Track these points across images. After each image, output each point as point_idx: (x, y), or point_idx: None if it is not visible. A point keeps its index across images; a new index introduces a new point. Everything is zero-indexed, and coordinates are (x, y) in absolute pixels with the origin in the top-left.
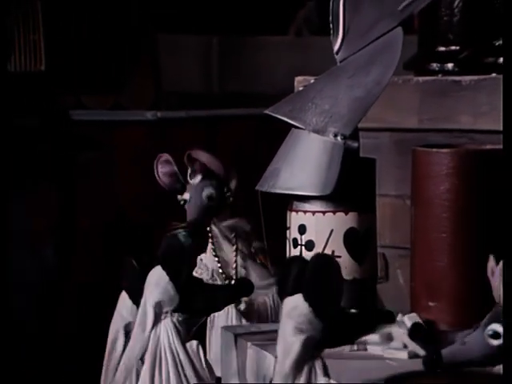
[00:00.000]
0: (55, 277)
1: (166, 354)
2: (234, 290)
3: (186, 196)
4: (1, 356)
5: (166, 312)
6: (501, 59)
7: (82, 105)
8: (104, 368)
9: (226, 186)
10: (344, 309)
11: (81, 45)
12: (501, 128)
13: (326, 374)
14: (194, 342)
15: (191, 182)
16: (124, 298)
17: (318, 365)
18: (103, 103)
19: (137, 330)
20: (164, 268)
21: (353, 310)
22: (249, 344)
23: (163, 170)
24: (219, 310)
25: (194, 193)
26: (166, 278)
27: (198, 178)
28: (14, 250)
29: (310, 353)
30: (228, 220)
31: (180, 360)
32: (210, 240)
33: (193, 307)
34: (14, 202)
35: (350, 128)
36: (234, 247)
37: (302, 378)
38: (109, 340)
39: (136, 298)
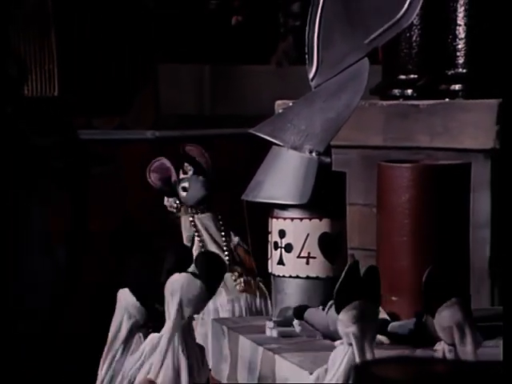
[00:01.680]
0: (66, 276)
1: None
2: None
3: (186, 184)
4: (13, 352)
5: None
6: (452, 86)
7: (91, 125)
8: (103, 357)
9: (212, 180)
10: None
11: (90, 73)
12: (453, 146)
13: None
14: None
15: (184, 177)
16: (126, 295)
17: None
18: (110, 124)
19: (171, 331)
20: (205, 283)
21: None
22: (241, 336)
23: (156, 175)
24: None
25: (194, 184)
26: (206, 291)
27: (190, 172)
28: (31, 251)
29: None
30: (206, 214)
31: (191, 361)
32: (196, 233)
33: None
34: (33, 210)
35: (323, 145)
36: (223, 239)
37: None
38: (111, 330)
39: (140, 296)
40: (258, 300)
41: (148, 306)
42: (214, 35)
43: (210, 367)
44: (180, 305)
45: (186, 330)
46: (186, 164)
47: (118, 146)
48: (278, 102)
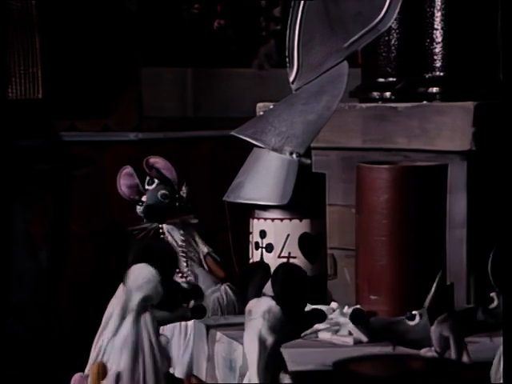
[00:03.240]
0: (48, 277)
1: (144, 345)
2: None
3: (144, 198)
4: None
5: (147, 306)
6: (430, 89)
7: (75, 128)
8: (94, 342)
9: (178, 191)
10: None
11: (74, 76)
12: (430, 148)
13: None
14: (164, 337)
15: (149, 187)
16: (143, 269)
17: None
18: (93, 126)
19: (119, 313)
20: (157, 268)
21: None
22: (219, 334)
23: (125, 181)
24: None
25: (151, 194)
26: (158, 277)
27: (155, 183)
28: (14, 252)
29: (278, 350)
30: (177, 222)
31: (154, 352)
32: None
33: (168, 305)
34: (16, 211)
35: (303, 147)
36: (181, 249)
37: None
38: (104, 318)
39: (163, 273)
40: (225, 308)
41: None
42: (197, 38)
43: (192, 366)
44: (129, 291)
45: (140, 317)
46: (149, 178)
47: (102, 148)
48: (260, 105)
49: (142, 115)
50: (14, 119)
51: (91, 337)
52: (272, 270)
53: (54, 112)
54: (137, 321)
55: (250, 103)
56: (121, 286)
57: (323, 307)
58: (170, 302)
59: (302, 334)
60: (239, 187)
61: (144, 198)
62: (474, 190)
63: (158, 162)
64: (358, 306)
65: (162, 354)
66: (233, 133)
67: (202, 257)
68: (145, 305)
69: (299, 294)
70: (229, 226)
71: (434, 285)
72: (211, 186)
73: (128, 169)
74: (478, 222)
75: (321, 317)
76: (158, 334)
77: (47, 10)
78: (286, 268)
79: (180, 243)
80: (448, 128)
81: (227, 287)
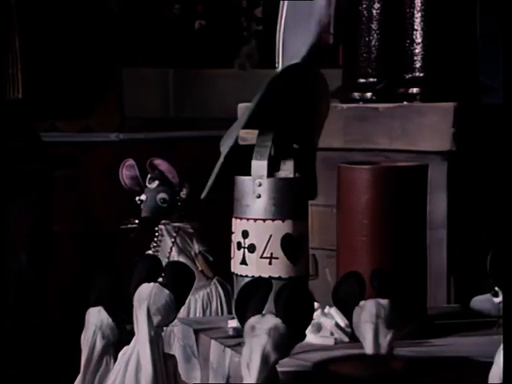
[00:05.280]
0: (31, 278)
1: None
2: None
3: (143, 197)
4: None
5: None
6: (410, 90)
7: (56, 128)
8: (82, 373)
9: (178, 193)
10: None
11: (55, 77)
12: (410, 148)
13: None
14: (172, 360)
15: (149, 186)
16: (102, 315)
17: None
18: (74, 127)
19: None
20: (173, 292)
21: None
22: (212, 340)
23: (127, 172)
24: None
25: (150, 195)
26: (175, 303)
27: (156, 183)
28: None
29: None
30: (175, 222)
31: (163, 375)
32: (155, 238)
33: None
34: None
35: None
36: (171, 246)
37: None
38: (84, 350)
39: (114, 315)
40: (214, 303)
41: (120, 324)
42: (178, 39)
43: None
44: (148, 314)
45: (154, 341)
46: (150, 176)
47: (83, 149)
48: (241, 105)
49: (123, 116)
50: None
51: (76, 337)
52: (255, 269)
53: (35, 112)
54: (152, 344)
55: (231, 103)
56: (91, 312)
57: None
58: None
59: None
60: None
61: (143, 197)
62: (454, 191)
63: (161, 164)
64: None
65: (169, 380)
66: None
67: (193, 255)
68: (159, 328)
69: (305, 314)
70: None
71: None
72: (193, 187)
73: (130, 161)
74: (459, 222)
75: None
76: (166, 358)
77: (27, 8)
78: (292, 288)
79: (173, 240)
80: (428, 128)
81: (217, 282)
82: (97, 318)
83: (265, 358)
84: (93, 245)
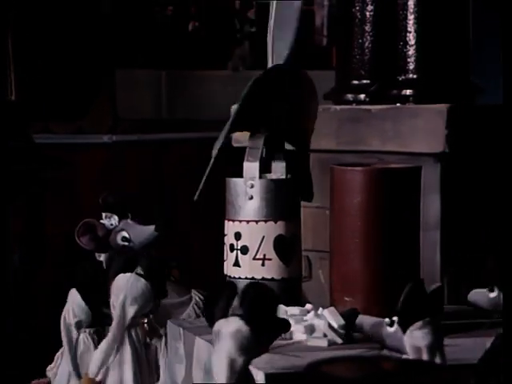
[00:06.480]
0: (23, 279)
1: (128, 359)
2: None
3: (125, 234)
4: None
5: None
6: (403, 91)
7: (48, 130)
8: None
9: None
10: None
11: (48, 78)
12: (403, 150)
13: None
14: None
15: (111, 227)
16: (75, 296)
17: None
18: (67, 128)
19: (116, 329)
20: (151, 281)
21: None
22: (196, 337)
23: (84, 239)
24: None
25: (114, 240)
26: (152, 291)
27: (115, 219)
28: None
29: (247, 370)
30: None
31: (141, 365)
32: None
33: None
34: None
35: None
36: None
37: None
38: (62, 331)
39: (87, 299)
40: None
41: (94, 308)
42: (171, 41)
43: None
44: (124, 303)
45: (131, 329)
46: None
47: (76, 151)
48: (234, 107)
49: (116, 117)
50: None
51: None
52: (248, 271)
53: (27, 114)
54: (129, 335)
55: (224, 105)
56: (71, 294)
57: (298, 309)
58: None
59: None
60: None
61: (121, 242)
62: (447, 192)
63: (113, 197)
64: (334, 309)
65: (151, 368)
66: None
67: (166, 270)
68: (138, 316)
69: (269, 314)
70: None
71: (404, 292)
72: (186, 188)
73: (84, 225)
74: (452, 224)
75: (286, 327)
76: (146, 348)
77: (20, 9)
78: (255, 289)
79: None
80: (421, 130)
81: (197, 299)
82: (71, 297)
83: (231, 364)
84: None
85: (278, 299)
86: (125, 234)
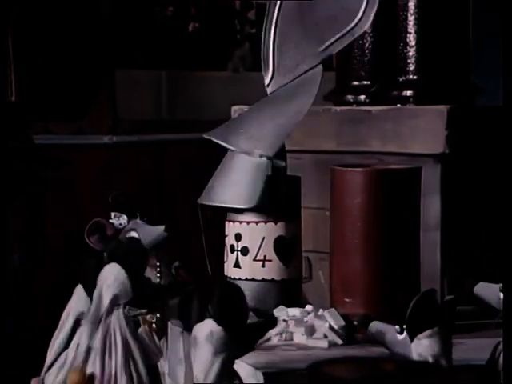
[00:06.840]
0: (23, 279)
1: (116, 340)
2: (177, 290)
3: (134, 234)
4: None
5: (119, 304)
6: (403, 92)
7: (49, 130)
8: (51, 343)
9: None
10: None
11: (48, 79)
12: (404, 151)
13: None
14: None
15: (121, 227)
16: (79, 291)
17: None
18: (67, 129)
19: (90, 318)
20: (124, 266)
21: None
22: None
23: (94, 238)
24: (163, 306)
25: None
26: (125, 275)
27: (124, 218)
28: None
29: (228, 368)
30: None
31: (129, 345)
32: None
33: (142, 302)
34: None
35: (272, 150)
36: (155, 266)
37: None
38: (60, 321)
39: (90, 293)
40: None
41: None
42: (171, 41)
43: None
44: (101, 290)
45: (111, 317)
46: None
47: (76, 151)
48: (235, 108)
49: (116, 118)
50: None
51: None
52: (248, 272)
53: (27, 114)
54: (105, 322)
55: (224, 106)
56: (76, 289)
57: (298, 310)
58: (143, 298)
59: (278, 338)
60: (211, 190)
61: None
62: (447, 193)
63: (123, 196)
64: (334, 310)
65: (147, 349)
66: (205, 135)
67: (172, 271)
68: (115, 304)
69: (239, 312)
70: (203, 229)
71: (414, 300)
72: (186, 189)
73: (93, 224)
74: (452, 224)
75: (272, 323)
76: (135, 332)
77: (20, 9)
78: (222, 288)
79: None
80: (421, 131)
81: None
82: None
83: (209, 366)
84: (82, 246)
85: (244, 296)
86: (134, 234)
